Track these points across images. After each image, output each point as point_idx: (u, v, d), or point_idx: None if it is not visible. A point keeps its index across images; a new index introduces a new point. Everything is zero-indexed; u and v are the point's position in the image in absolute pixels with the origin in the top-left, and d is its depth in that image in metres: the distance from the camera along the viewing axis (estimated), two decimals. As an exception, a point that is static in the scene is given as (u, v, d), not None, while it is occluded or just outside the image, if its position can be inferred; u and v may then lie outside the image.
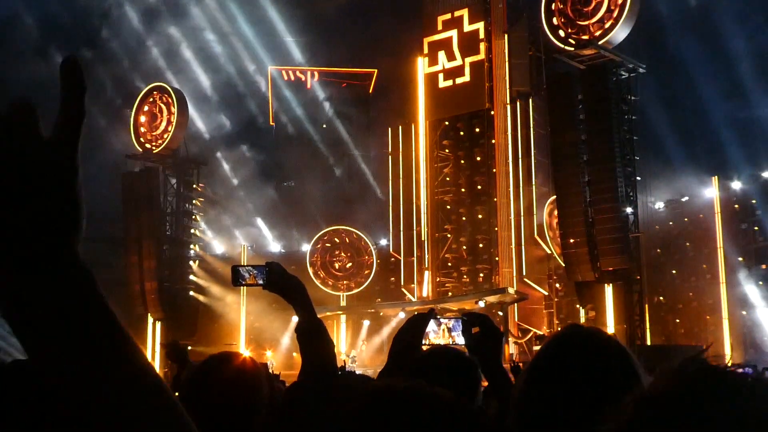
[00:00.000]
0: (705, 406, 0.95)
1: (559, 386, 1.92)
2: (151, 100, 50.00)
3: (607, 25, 38.11)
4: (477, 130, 47.80)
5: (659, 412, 0.98)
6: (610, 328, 33.81)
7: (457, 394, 2.81)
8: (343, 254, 51.75)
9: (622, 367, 1.93)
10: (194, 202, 50.36)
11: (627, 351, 2.00)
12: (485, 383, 3.16)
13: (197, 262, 50.31)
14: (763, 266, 44.29)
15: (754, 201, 44.26)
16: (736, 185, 44.42)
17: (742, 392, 0.97)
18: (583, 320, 38.87)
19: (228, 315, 49.68)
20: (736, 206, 44.76)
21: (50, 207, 0.92)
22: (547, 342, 2.10)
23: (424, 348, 3.09)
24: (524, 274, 42.94)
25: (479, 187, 47.59)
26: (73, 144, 0.93)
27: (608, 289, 37.44)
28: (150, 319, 46.77)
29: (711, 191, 43.59)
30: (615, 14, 37.98)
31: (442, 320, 4.16)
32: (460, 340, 3.10)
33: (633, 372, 1.92)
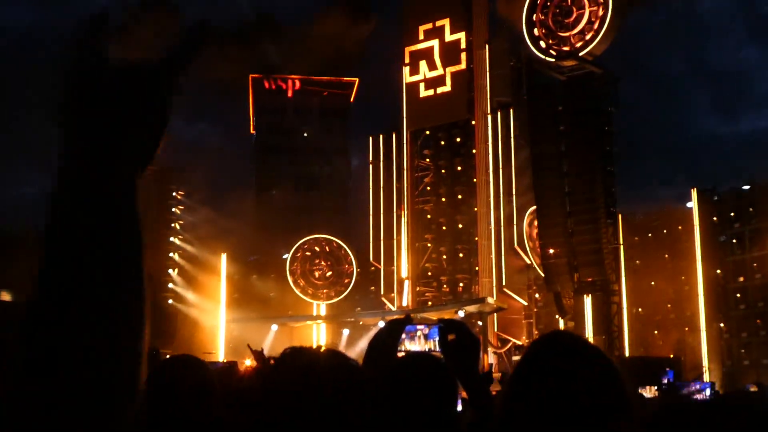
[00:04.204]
0: None
1: (542, 389, 1.92)
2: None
3: (587, 37, 38.32)
4: (458, 139, 47.87)
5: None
6: (589, 339, 33.86)
7: (433, 402, 2.79)
8: (323, 263, 51.65)
9: (602, 369, 1.94)
10: (174, 210, 50.17)
11: (605, 355, 2.02)
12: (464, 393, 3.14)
13: (176, 270, 50.07)
14: (741, 279, 44.58)
15: (732, 213, 44.59)
16: (715, 198, 44.72)
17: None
18: (562, 331, 38.97)
19: (207, 323, 49.46)
20: (715, 219, 45.09)
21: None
22: (529, 347, 2.12)
23: (400, 355, 3.06)
24: (504, 284, 42.98)
25: (460, 196, 47.64)
26: (171, 71, 0.99)
27: (587, 300, 37.59)
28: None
29: (690, 203, 43.90)
30: (596, 26, 38.20)
31: (418, 327, 4.14)
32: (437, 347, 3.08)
33: (613, 375, 1.93)
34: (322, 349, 1.67)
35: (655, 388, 27.84)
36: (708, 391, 28.14)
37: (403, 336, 3.08)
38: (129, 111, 0.97)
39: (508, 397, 2.05)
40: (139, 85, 0.97)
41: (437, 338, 3.08)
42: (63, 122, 0.96)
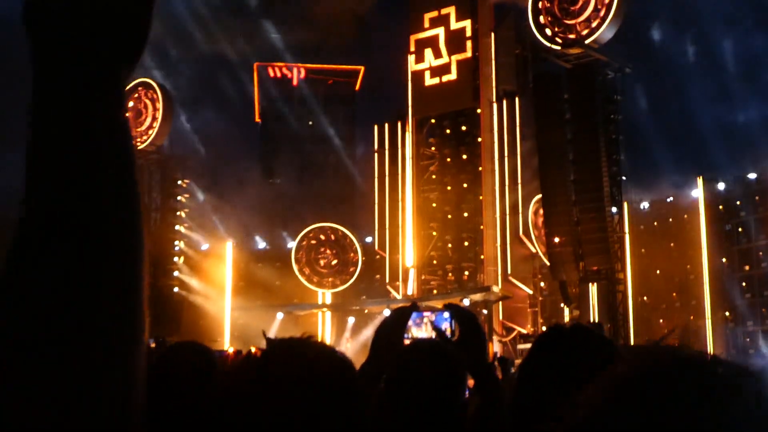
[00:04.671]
0: (670, 391, 0.93)
1: (548, 378, 1.91)
2: (136, 95, 49.75)
3: (593, 25, 38.19)
4: (463, 128, 47.79)
5: (629, 397, 0.95)
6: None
7: (440, 389, 2.78)
8: (328, 251, 51.70)
9: (606, 354, 1.94)
10: (179, 198, 50.21)
11: (609, 340, 2.03)
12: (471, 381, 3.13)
13: (182, 258, 50.15)
14: (747, 267, 44.51)
15: (738, 202, 44.47)
16: (721, 186, 44.59)
17: (717, 375, 0.95)
18: (567, 319, 38.99)
19: (212, 311, 49.57)
20: (721, 207, 44.97)
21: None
22: (534, 341, 2.14)
23: (407, 342, 3.05)
24: (509, 272, 42.96)
25: (465, 185, 47.57)
26: None
27: (593, 289, 37.57)
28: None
29: (696, 192, 43.79)
30: (602, 14, 38.06)
31: (424, 314, 4.13)
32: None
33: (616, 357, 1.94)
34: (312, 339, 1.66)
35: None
36: None
37: (410, 323, 3.07)
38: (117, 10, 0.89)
39: (517, 386, 2.05)
40: None
41: (446, 324, 3.07)
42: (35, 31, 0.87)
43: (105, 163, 0.84)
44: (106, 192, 0.83)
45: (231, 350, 40.58)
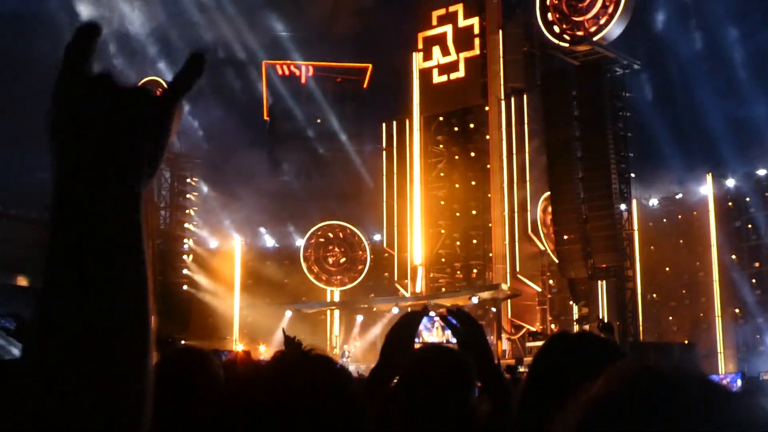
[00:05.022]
0: (646, 409, 0.97)
1: (555, 385, 1.92)
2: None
3: (602, 22, 38.11)
4: (471, 125, 47.79)
5: (605, 414, 0.99)
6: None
7: (450, 393, 2.79)
8: (336, 249, 51.74)
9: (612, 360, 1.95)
10: (188, 196, 50.32)
11: (616, 345, 2.04)
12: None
13: (191, 256, 50.26)
14: (757, 264, 44.37)
15: (748, 199, 44.30)
16: (730, 183, 44.46)
17: (689, 394, 0.98)
18: (576, 317, 38.95)
19: (221, 309, 49.67)
20: (730, 204, 44.82)
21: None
22: (543, 345, 2.15)
23: (417, 346, 3.06)
24: (518, 270, 42.94)
25: (473, 182, 47.56)
26: (175, 98, 1.03)
27: (601, 286, 37.51)
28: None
29: (705, 189, 43.69)
30: (610, 10, 37.99)
31: (435, 318, 4.14)
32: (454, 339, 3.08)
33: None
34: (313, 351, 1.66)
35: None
36: (739, 382, 28.09)
37: (421, 327, 3.08)
38: (138, 130, 0.99)
39: (527, 389, 2.05)
40: (148, 108, 1.00)
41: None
42: (59, 140, 0.97)
43: (120, 264, 0.94)
44: (121, 288, 0.93)
45: (241, 348, 40.68)
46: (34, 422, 0.86)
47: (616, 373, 1.04)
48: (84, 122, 0.96)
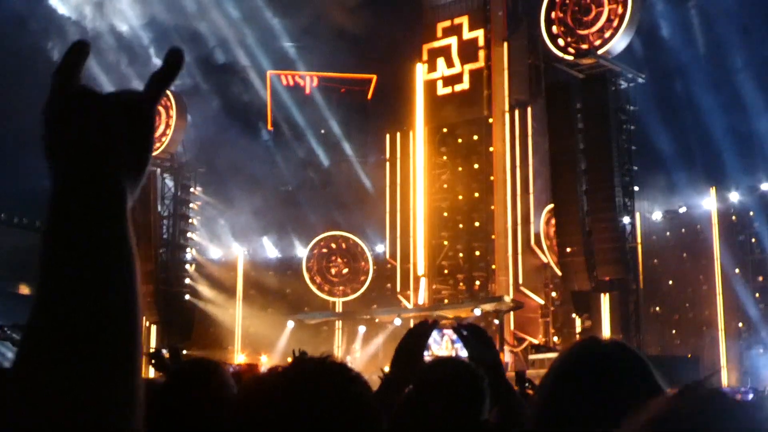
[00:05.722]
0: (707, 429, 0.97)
1: (581, 396, 1.89)
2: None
3: (606, 35, 38.15)
4: (475, 137, 47.78)
5: None
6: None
7: (461, 406, 2.76)
8: (339, 260, 51.68)
9: (643, 378, 1.92)
10: (191, 205, 50.34)
11: (647, 361, 2.00)
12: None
13: (193, 265, 50.25)
14: (760, 278, 44.26)
15: (752, 213, 44.19)
16: (734, 197, 44.37)
17: (742, 418, 1.00)
18: (578, 330, 38.87)
19: (223, 319, 49.63)
20: (734, 218, 44.73)
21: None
22: (567, 352, 2.10)
23: (428, 359, 3.03)
24: (521, 282, 42.89)
25: (477, 194, 47.54)
26: (154, 99, 1.08)
27: (605, 299, 37.44)
28: (145, 323, 46.66)
29: (709, 202, 43.61)
30: (615, 24, 38.03)
31: (445, 331, 4.11)
32: (464, 352, 3.06)
33: (654, 383, 1.91)
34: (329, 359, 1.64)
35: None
36: (750, 395, 27.89)
37: (429, 340, 3.06)
38: (122, 136, 1.03)
39: (542, 401, 2.02)
40: (131, 113, 1.05)
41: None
42: (51, 150, 1.02)
43: (110, 268, 0.99)
44: (111, 292, 0.98)
45: (243, 359, 40.59)
46: (26, 425, 0.88)
47: (686, 393, 1.04)
48: (70, 137, 1.01)
